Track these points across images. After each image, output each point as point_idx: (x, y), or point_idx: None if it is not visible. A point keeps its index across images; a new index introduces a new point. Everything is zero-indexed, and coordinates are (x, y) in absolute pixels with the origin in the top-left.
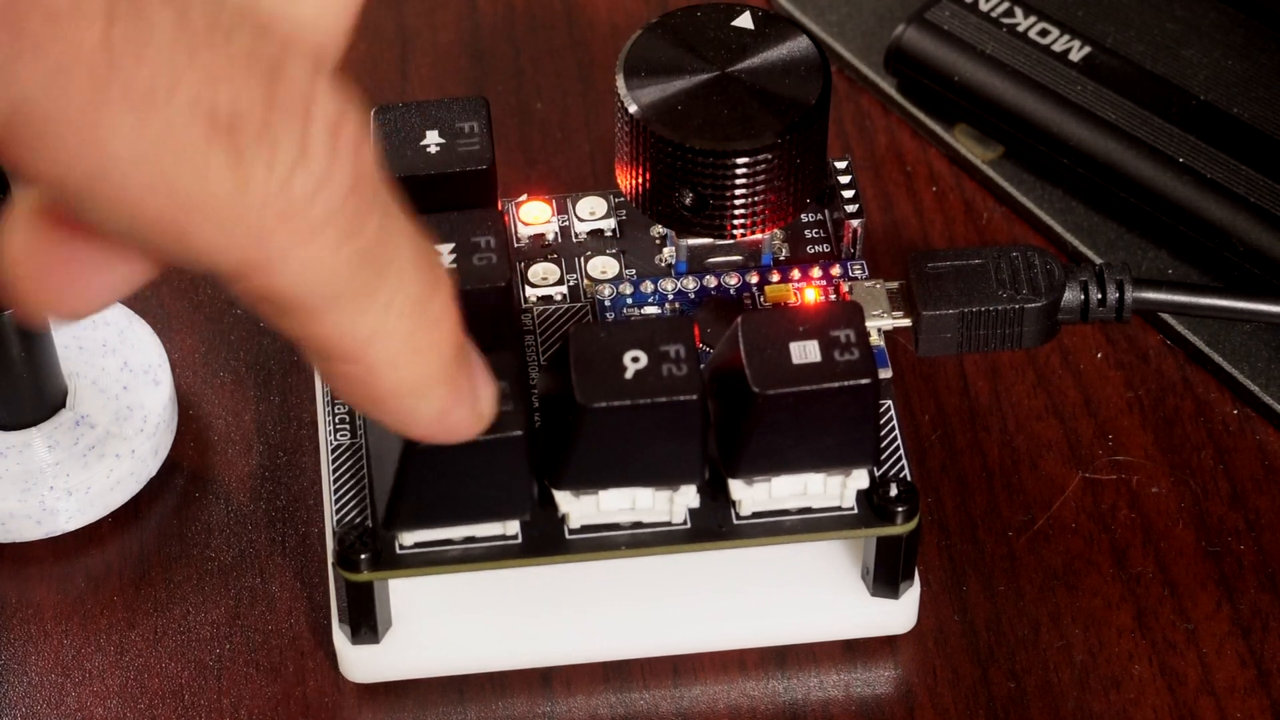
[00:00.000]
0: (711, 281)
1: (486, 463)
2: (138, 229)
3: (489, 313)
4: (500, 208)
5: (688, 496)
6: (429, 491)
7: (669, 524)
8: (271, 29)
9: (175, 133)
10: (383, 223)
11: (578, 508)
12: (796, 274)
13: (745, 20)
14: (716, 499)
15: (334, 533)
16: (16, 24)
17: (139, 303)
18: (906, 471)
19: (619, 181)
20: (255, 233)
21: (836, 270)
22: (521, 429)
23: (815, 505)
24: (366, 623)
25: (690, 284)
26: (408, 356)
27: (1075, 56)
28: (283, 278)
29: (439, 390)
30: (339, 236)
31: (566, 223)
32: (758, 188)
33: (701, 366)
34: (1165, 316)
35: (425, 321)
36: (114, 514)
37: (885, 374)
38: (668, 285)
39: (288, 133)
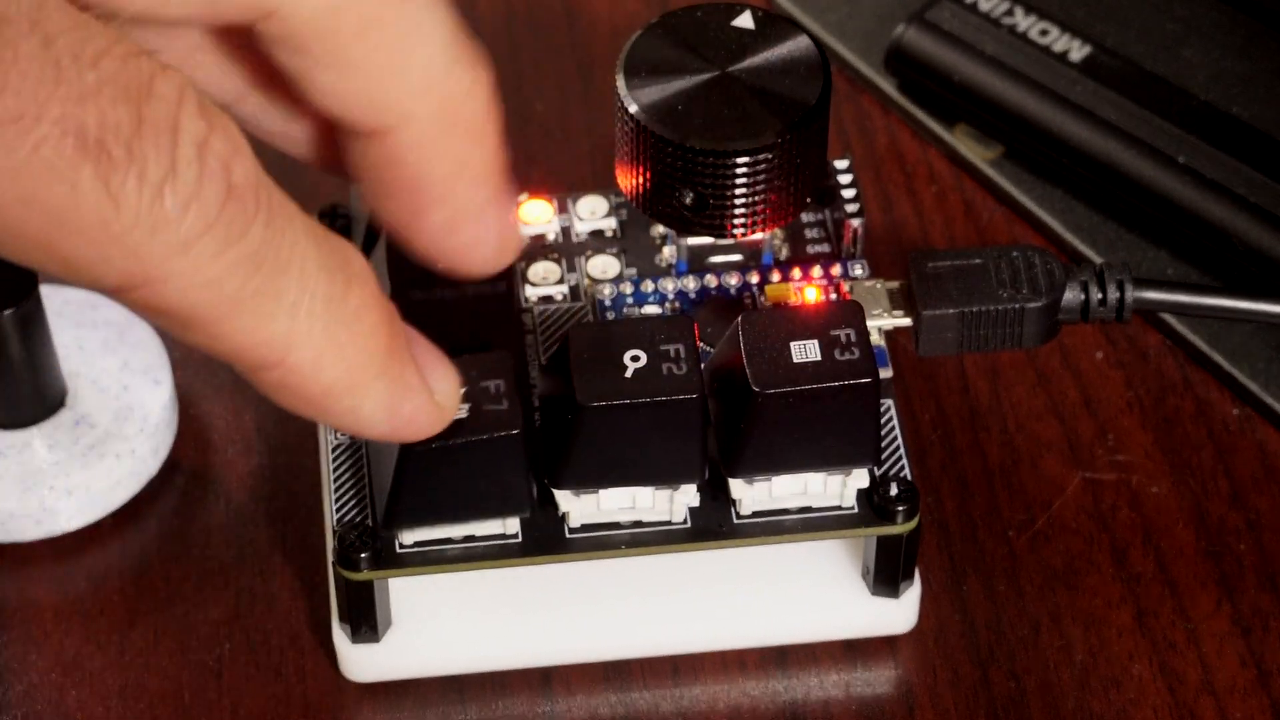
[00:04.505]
0: (712, 281)
1: (484, 461)
2: (13, 245)
3: (489, 313)
4: None
5: (688, 496)
6: (427, 491)
7: (669, 523)
8: (142, 54)
9: (44, 152)
10: (269, 227)
11: (578, 507)
12: (797, 273)
13: (745, 20)
14: (716, 498)
15: (334, 532)
16: None
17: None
18: (907, 471)
19: (619, 181)
20: (130, 248)
21: (837, 270)
22: (518, 427)
23: (815, 505)
24: (366, 622)
25: (690, 283)
26: (330, 356)
27: (1075, 56)
28: (167, 290)
29: (376, 386)
30: (218, 245)
31: (567, 222)
32: (758, 188)
33: (701, 366)
34: (1165, 316)
35: (342, 318)
36: (114, 514)
37: (885, 374)
38: (668, 285)
39: (155, 150)
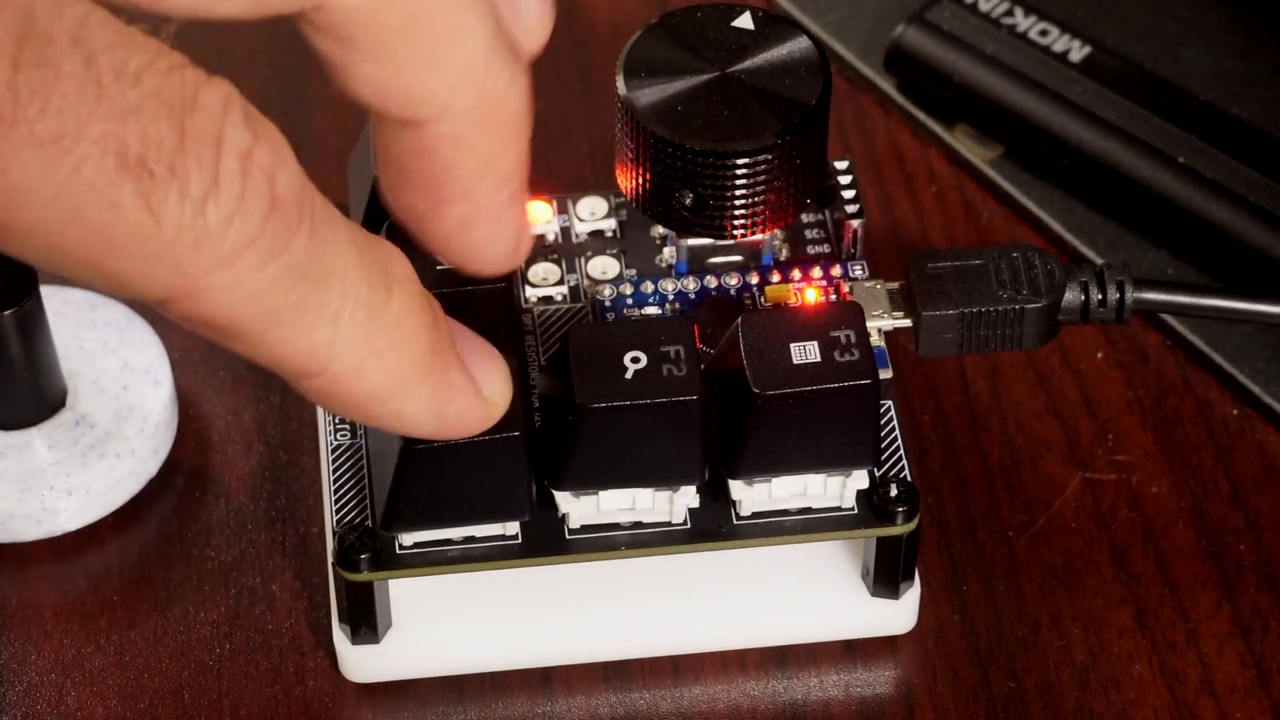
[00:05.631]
0: (712, 282)
1: (484, 463)
2: (58, 260)
3: (489, 313)
4: None
5: (688, 496)
6: (426, 492)
7: (669, 524)
8: (186, 66)
9: (85, 172)
10: (313, 238)
11: (578, 508)
12: (797, 274)
13: (745, 20)
14: (716, 499)
15: (334, 533)
16: None
17: (139, 303)
18: (906, 471)
19: (619, 182)
20: (172, 262)
21: (837, 270)
22: (519, 429)
23: (815, 505)
24: (366, 623)
25: (690, 284)
26: (373, 362)
27: (1075, 56)
28: (211, 302)
29: (421, 389)
30: (261, 258)
31: (567, 223)
32: (758, 188)
33: (701, 367)
34: (1165, 316)
35: (383, 324)
36: (114, 514)
37: (885, 374)
38: (668, 285)
39: (198, 166)
